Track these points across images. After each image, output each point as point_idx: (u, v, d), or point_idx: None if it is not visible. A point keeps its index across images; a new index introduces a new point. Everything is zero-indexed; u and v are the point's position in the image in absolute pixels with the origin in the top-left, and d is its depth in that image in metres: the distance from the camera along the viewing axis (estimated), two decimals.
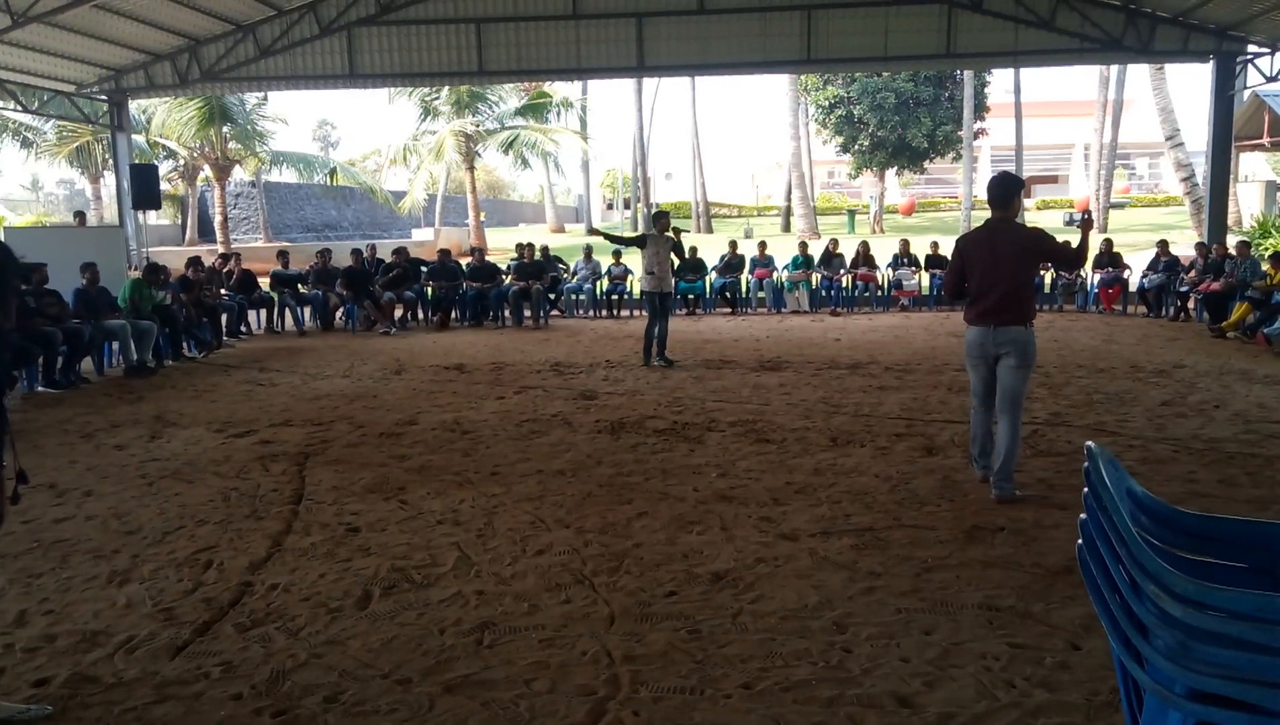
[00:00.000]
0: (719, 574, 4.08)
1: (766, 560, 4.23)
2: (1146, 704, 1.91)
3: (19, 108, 16.92)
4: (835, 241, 16.50)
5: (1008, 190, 5.11)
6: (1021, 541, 4.41)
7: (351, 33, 16.16)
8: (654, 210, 11.77)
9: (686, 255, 11.24)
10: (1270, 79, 15.45)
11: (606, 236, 10.70)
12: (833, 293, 15.52)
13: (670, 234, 10.06)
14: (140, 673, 3.29)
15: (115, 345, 10.52)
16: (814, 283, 15.70)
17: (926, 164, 37.72)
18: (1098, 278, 14.67)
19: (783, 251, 17.34)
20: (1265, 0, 13.13)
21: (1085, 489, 2.11)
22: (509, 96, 33.04)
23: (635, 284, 15.30)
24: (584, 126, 37.79)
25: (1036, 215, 39.22)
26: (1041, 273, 14.63)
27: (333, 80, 16.60)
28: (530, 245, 15.65)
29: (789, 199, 37.62)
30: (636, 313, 15.24)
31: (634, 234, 10.54)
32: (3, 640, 3.57)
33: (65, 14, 12.77)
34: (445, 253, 15.46)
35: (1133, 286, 14.37)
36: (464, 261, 15.55)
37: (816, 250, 16.45)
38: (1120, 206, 39.05)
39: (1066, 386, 8.39)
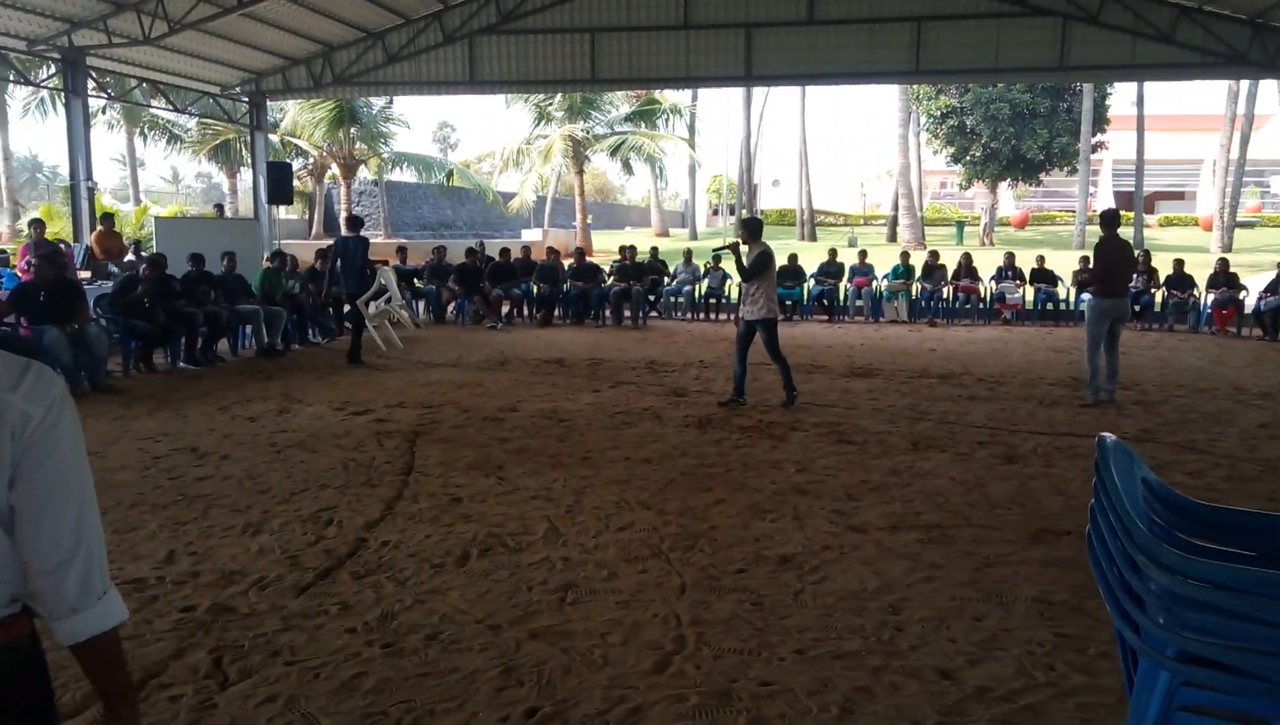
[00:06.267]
0: (786, 557, 4.37)
1: (833, 548, 4.50)
2: (1140, 667, 2.13)
3: (170, 107, 18.33)
4: (936, 253, 16.46)
5: (1112, 220, 8.36)
6: (1086, 546, 4.54)
7: (473, 41, 16.93)
8: (752, 218, 9.03)
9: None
10: None
11: (736, 258, 8.27)
12: (933, 304, 15.47)
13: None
14: (270, 606, 3.80)
15: (249, 328, 11.40)
16: (914, 293, 15.68)
17: (1042, 176, 36.71)
18: (1212, 297, 14.22)
19: (885, 261, 17.35)
20: None
21: (1094, 478, 2.34)
22: (620, 102, 33.66)
23: (733, 288, 15.58)
24: (692, 133, 38.22)
25: (1159, 231, 37.73)
26: (1152, 292, 14.39)
27: (454, 86, 17.42)
28: (633, 247, 16.13)
29: (895, 208, 37.21)
30: (734, 317, 15.49)
31: (751, 255, 7.97)
32: (155, 573, 4.14)
33: (214, 21, 13.86)
34: (554, 252, 16.08)
35: (1249, 308, 13.89)
36: (567, 262, 16.12)
37: (920, 261, 16.41)
38: (1249, 226, 37.22)
39: (1162, 405, 8.31)
